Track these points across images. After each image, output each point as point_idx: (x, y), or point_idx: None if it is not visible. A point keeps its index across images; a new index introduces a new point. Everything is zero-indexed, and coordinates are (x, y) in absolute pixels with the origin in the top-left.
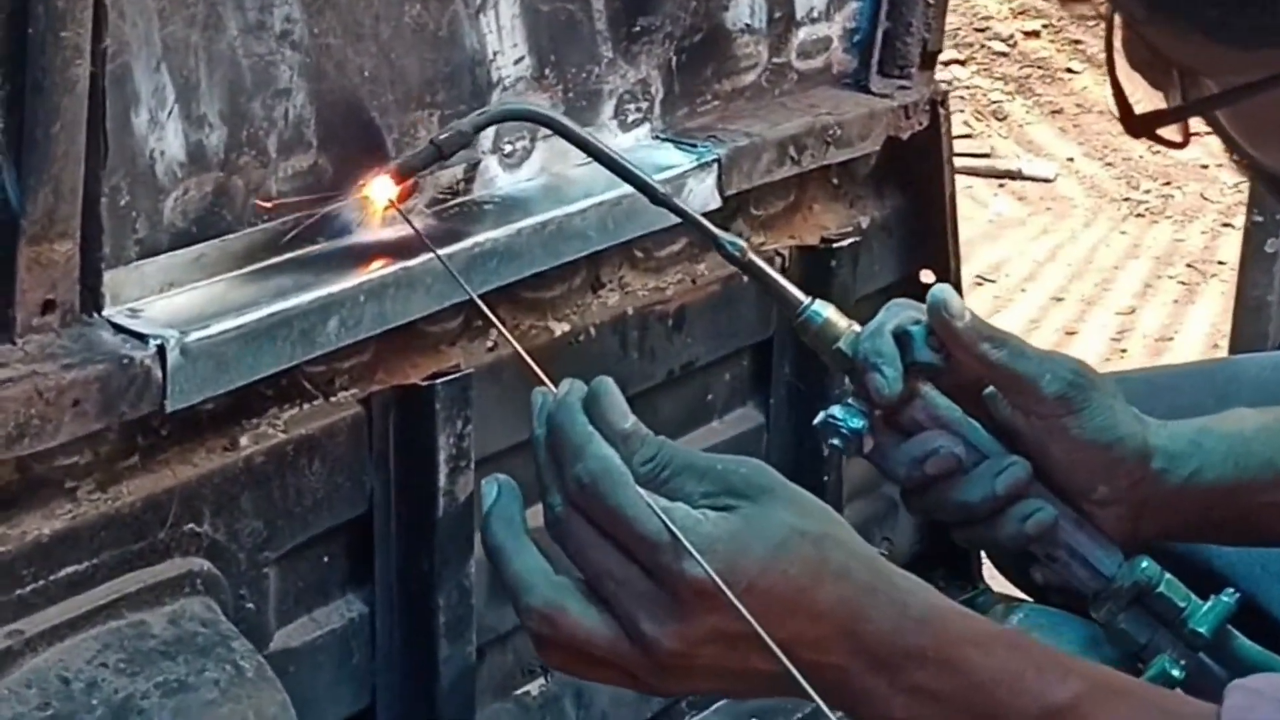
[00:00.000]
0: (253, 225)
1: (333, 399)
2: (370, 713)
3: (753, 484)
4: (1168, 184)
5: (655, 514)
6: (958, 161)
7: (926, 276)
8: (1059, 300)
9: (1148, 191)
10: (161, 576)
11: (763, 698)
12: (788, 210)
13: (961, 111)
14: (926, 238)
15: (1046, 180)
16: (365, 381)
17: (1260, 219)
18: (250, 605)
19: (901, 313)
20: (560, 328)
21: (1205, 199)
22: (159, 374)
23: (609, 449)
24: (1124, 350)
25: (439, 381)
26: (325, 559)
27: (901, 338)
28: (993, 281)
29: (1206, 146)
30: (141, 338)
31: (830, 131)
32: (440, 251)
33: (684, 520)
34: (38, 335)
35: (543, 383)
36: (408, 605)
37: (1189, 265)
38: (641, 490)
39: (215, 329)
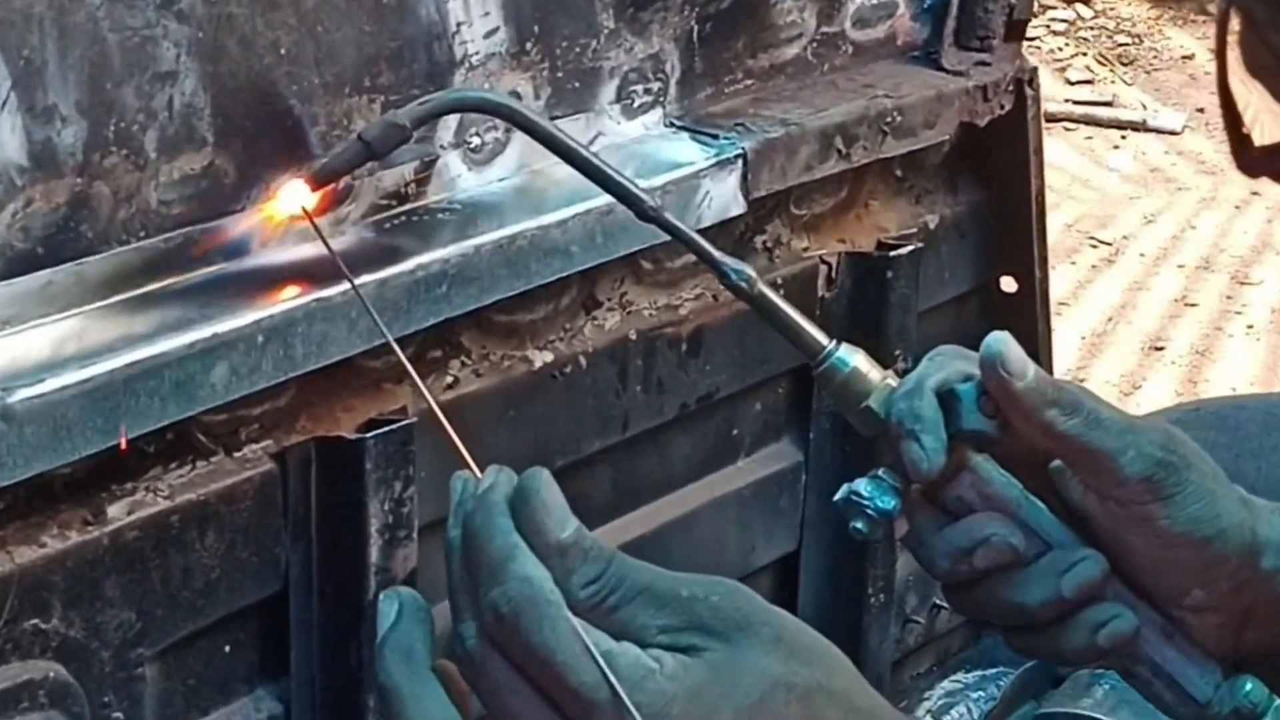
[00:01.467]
0: (123, 243)
1: (236, 454)
2: None
3: (725, 617)
4: None
5: (593, 659)
6: (1077, 110)
7: (1008, 284)
8: (1180, 267)
9: None
10: None
11: None
12: (838, 209)
13: (1084, 55)
14: (1007, 239)
15: (1173, 133)
16: (280, 432)
17: None
18: (118, 714)
19: (948, 365)
20: (541, 358)
21: None
22: None
23: (537, 568)
24: (1250, 326)
25: (371, 435)
26: (227, 649)
27: (947, 398)
28: (1108, 245)
29: None
30: None
31: (888, 118)
32: (374, 276)
33: (631, 669)
34: None
35: (464, 464)
36: (332, 704)
37: None
38: (579, 625)
39: (52, 383)
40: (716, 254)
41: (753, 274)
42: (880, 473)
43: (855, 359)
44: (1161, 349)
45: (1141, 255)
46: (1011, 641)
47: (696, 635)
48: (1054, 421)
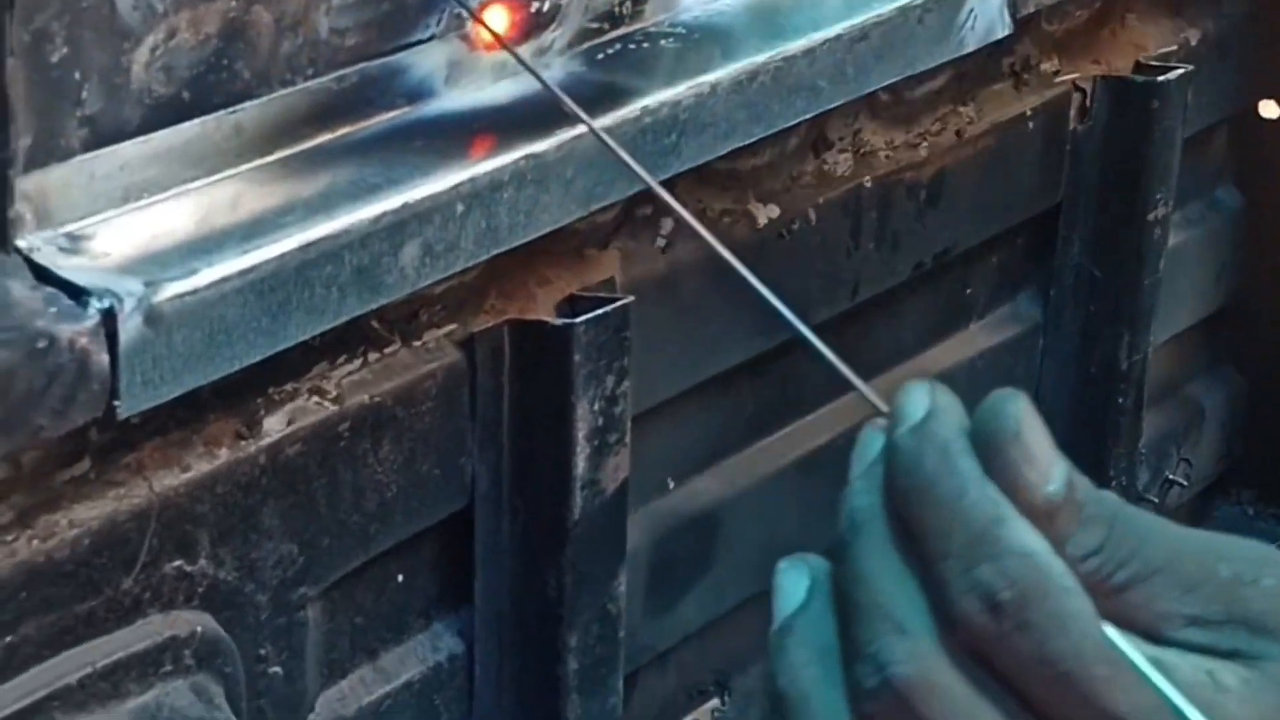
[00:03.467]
0: (287, 85)
1: (415, 344)
2: None
3: None
4: None
5: (1148, 680)
6: None
7: (1268, 110)
8: None
9: None
10: (125, 651)
11: None
12: (1092, 24)
13: None
14: (1271, 59)
15: None
16: (467, 314)
17: None
18: (276, 669)
19: None
20: (766, 213)
21: None
22: (104, 360)
23: (1037, 538)
24: None
25: (580, 319)
26: (400, 578)
27: None
28: None
29: None
30: (78, 295)
31: None
32: (594, 122)
33: (1197, 690)
34: None
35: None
36: (524, 643)
37: None
38: (1110, 629)
39: (208, 275)
40: None
41: None
42: None
43: None
44: None
45: None
46: None
47: (1243, 634)
48: None
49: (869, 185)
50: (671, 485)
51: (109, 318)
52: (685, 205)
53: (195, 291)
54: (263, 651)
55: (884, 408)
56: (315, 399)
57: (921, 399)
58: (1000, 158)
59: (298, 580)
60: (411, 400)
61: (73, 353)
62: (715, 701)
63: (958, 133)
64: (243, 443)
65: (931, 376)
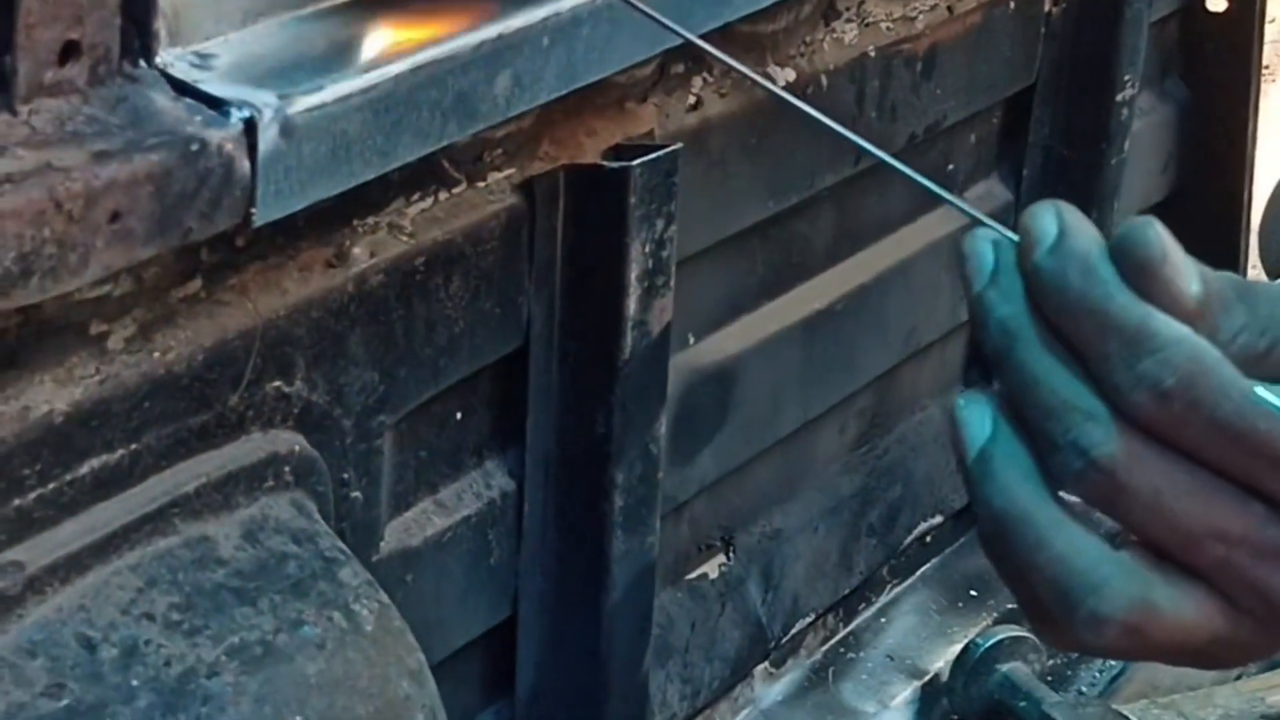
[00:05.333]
0: None
1: (480, 185)
2: (509, 628)
3: None
4: None
5: None
6: None
7: (1215, 3)
8: None
9: None
10: (233, 465)
11: None
12: None
13: None
14: None
15: None
16: (525, 158)
17: None
18: (357, 494)
19: None
20: (784, 76)
21: None
22: (245, 167)
23: (1184, 327)
24: None
25: (637, 162)
26: (458, 415)
27: None
28: None
29: None
30: (218, 105)
31: None
32: None
33: None
34: (52, 100)
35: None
36: (571, 480)
37: None
38: (1260, 387)
39: (334, 92)
40: None
41: None
42: None
43: None
44: None
45: None
46: None
47: None
48: None
49: (872, 55)
50: (692, 340)
51: (250, 127)
52: (713, 66)
53: (323, 106)
54: (346, 476)
55: (1011, 235)
56: (394, 233)
57: (1050, 220)
58: (984, 35)
59: (378, 408)
60: (478, 239)
61: (220, 157)
62: (722, 557)
63: (949, 8)
64: (333, 270)
65: (919, 249)
